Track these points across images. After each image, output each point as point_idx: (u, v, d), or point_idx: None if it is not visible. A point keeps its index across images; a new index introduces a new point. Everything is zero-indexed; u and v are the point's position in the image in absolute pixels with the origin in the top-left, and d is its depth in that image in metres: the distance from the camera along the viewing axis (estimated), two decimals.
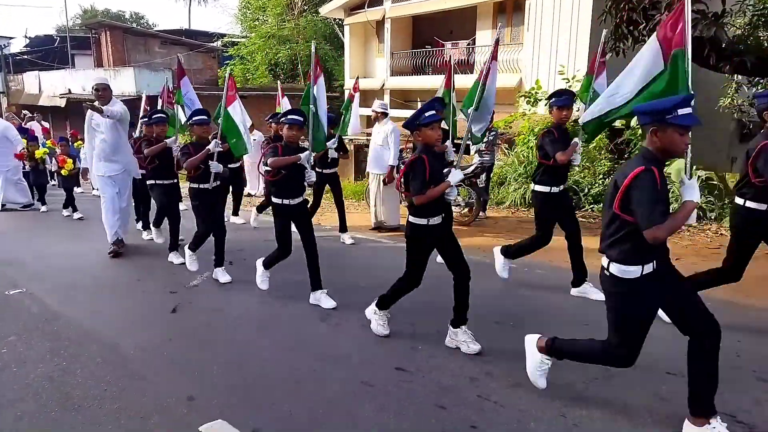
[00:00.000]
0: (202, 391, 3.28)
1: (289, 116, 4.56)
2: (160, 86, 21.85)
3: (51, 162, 9.74)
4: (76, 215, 9.12)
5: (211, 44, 29.43)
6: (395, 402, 3.13)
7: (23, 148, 9.53)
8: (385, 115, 7.47)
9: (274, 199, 4.70)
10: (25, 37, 29.71)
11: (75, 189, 9.55)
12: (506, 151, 11.15)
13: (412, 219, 3.76)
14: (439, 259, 3.97)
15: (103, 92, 6.13)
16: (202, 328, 4.35)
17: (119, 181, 6.45)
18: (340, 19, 22.25)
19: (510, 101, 12.91)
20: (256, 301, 4.91)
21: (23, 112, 16.54)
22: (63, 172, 8.97)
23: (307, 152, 4.62)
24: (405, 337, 4.03)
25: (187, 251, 5.74)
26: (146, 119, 7.85)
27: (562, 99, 4.63)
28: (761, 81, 11.10)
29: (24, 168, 9.96)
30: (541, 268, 5.80)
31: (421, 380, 3.39)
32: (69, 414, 3.06)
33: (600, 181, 8.88)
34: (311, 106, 4.86)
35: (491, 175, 9.15)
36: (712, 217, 7.63)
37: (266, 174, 4.65)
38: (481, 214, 8.30)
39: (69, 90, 23.25)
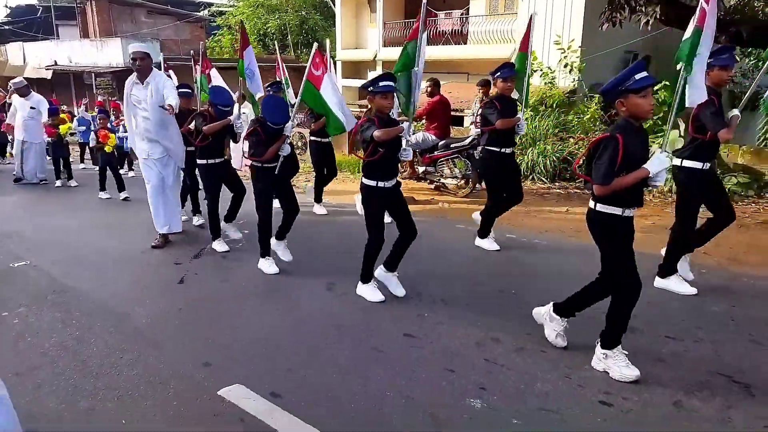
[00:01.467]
0: (218, 358, 3.37)
1: (382, 83, 3.90)
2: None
3: (89, 137, 9.27)
4: (122, 195, 8.29)
5: (198, 14, 28.85)
6: (406, 367, 3.24)
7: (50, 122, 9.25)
8: None
9: (367, 182, 4.06)
10: (6, 6, 28.97)
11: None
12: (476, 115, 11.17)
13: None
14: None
15: (142, 61, 5.37)
16: (210, 298, 4.42)
17: (163, 166, 5.73)
18: None
19: None
20: (258, 272, 4.97)
21: (9, 84, 16.18)
22: (106, 148, 8.15)
23: (406, 123, 4.10)
24: (411, 305, 4.13)
25: (275, 242, 5.10)
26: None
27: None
28: (754, 51, 11.16)
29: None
30: (530, 236, 5.91)
31: (429, 346, 3.49)
32: (88, 381, 3.13)
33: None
34: (415, 68, 4.26)
35: None
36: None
37: (364, 153, 3.98)
38: (477, 186, 8.37)
39: (55, 62, 22.80)
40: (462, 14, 16.67)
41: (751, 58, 11.81)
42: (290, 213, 5.00)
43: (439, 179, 8.54)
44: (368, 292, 4.25)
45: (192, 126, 5.46)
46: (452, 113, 9.05)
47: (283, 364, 3.31)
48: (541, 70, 11.50)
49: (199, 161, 5.43)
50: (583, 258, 5.18)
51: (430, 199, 8.03)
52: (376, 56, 18.64)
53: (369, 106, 4.11)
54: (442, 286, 4.40)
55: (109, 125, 8.83)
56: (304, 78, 4.86)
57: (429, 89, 8.03)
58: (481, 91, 8.50)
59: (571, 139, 9.52)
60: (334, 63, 22.78)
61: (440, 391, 2.98)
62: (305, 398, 2.93)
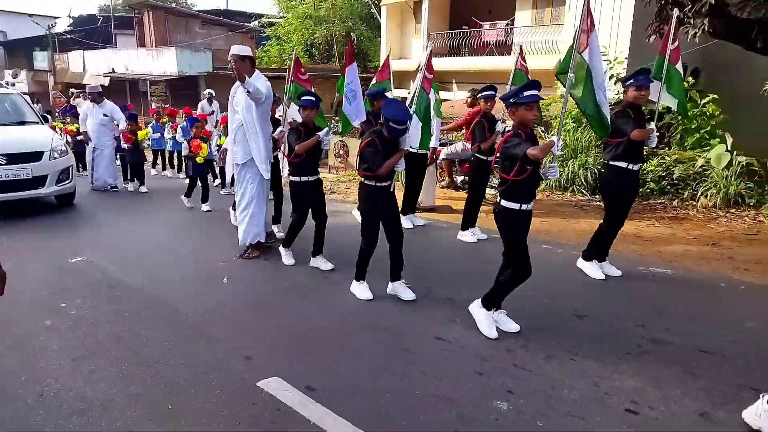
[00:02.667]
0: (259, 352, 3.56)
1: (528, 93, 3.52)
2: (200, 67, 22.16)
3: (182, 146, 8.85)
4: (205, 207, 7.92)
5: (249, 24, 29.75)
6: (435, 368, 3.35)
7: (126, 129, 9.35)
8: None
9: (509, 204, 3.63)
10: (69, 16, 30.51)
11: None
12: (542, 134, 11.13)
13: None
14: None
15: (237, 63, 5.02)
16: (253, 295, 4.64)
17: (246, 171, 5.52)
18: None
19: (548, 83, 12.81)
20: (300, 271, 5.17)
21: (71, 90, 17.12)
22: (198, 159, 7.80)
23: (557, 137, 3.67)
24: (444, 308, 4.24)
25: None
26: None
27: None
28: None
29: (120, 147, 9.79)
30: (561, 247, 5.91)
31: (459, 350, 3.59)
32: (138, 369, 3.37)
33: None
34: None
35: None
36: (751, 203, 7.56)
37: (506, 171, 3.63)
38: None
39: (112, 69, 23.94)
40: (507, 25, 16.68)
41: None
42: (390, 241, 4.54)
43: None
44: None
45: (282, 138, 5.53)
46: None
47: (318, 360, 3.47)
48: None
49: (291, 178, 5.18)
50: (621, 269, 5.19)
51: None
52: (419, 67, 18.80)
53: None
54: (475, 292, 4.48)
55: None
56: (419, 85, 4.75)
57: (469, 100, 8.13)
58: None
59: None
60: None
61: (468, 392, 3.07)
62: (338, 392, 3.07)
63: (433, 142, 7.51)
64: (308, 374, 3.27)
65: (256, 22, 31.96)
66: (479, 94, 6.11)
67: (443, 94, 13.83)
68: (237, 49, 5.19)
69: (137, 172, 9.68)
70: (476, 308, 3.92)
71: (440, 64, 18.17)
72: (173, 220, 7.54)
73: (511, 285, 3.75)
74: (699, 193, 7.99)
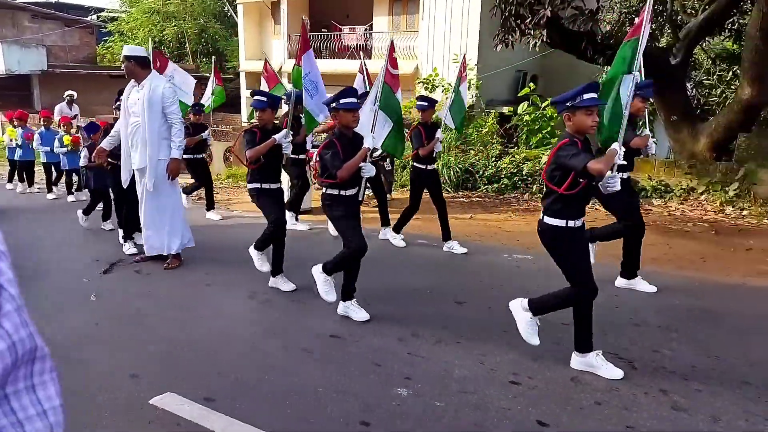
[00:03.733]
0: (144, 368, 3.37)
1: (587, 96, 3.11)
2: (32, 64, 19.97)
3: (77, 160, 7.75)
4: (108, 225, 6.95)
5: (88, 19, 27.25)
6: (335, 364, 3.43)
7: None
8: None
9: (555, 222, 3.27)
10: None
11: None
12: (407, 136, 11.68)
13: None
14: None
15: (127, 64, 4.94)
16: (128, 311, 4.35)
17: (144, 178, 5.19)
18: None
19: (408, 87, 13.44)
20: (180, 284, 4.94)
21: None
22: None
23: (616, 145, 3.39)
24: (333, 308, 4.32)
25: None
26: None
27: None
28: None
29: None
30: (439, 241, 6.34)
31: (355, 344, 3.71)
32: None
33: (493, 164, 9.65)
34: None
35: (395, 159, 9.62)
36: None
37: (557, 184, 3.22)
38: (387, 195, 8.72)
39: None
40: (366, 30, 17.17)
41: None
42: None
43: None
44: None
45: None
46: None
47: (212, 369, 3.38)
48: (443, 85, 12.16)
49: (249, 185, 4.65)
50: (489, 257, 5.68)
51: None
52: (281, 68, 18.65)
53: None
54: (362, 288, 4.63)
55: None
56: (381, 81, 4.31)
57: None
58: None
59: (472, 151, 10.18)
60: (237, 74, 22.53)
61: (369, 383, 3.20)
62: (240, 400, 3.03)
63: (308, 144, 7.56)
64: (204, 385, 3.17)
65: (95, 17, 29.39)
66: (418, 104, 5.87)
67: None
68: (127, 50, 5.09)
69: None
70: (518, 308, 3.48)
71: None
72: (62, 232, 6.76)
73: (567, 304, 3.37)
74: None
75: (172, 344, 3.73)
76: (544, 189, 3.29)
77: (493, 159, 9.74)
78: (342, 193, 3.98)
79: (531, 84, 11.60)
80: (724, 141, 8.82)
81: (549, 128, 10.23)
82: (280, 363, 3.47)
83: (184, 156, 7.33)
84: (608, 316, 4.02)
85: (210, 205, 7.58)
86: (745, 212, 7.62)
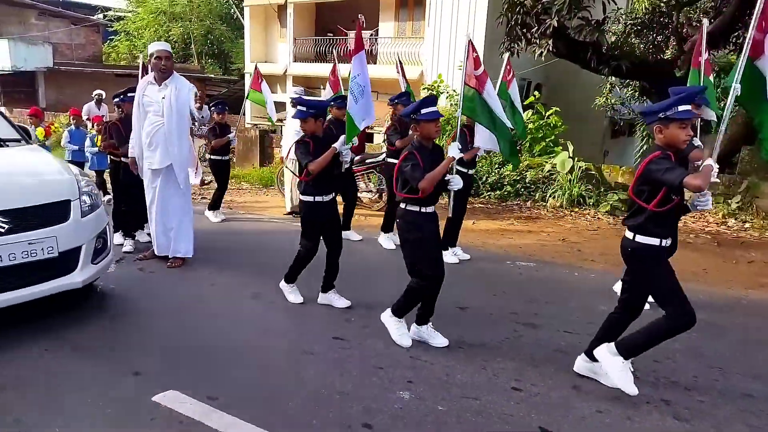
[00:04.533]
0: (147, 366, 3.37)
1: (681, 108, 2.88)
2: (38, 61, 20.02)
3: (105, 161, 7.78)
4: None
5: (93, 18, 27.35)
6: (337, 366, 3.43)
7: None
8: None
9: (648, 241, 3.02)
10: None
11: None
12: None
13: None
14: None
15: (168, 61, 4.92)
16: (132, 308, 4.35)
17: (165, 180, 5.15)
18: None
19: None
20: (181, 285, 4.94)
21: None
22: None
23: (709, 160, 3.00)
24: (338, 310, 4.33)
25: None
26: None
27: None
28: (631, 83, 12.56)
29: None
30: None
31: (357, 347, 3.71)
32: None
33: (496, 170, 9.67)
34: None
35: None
36: (591, 203, 8.65)
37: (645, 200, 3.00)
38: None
39: None
40: (371, 35, 17.24)
41: (629, 89, 13.28)
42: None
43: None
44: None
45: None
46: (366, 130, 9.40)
47: (215, 367, 3.38)
48: (447, 92, 12.19)
49: (302, 198, 4.30)
50: (492, 264, 5.68)
51: None
52: (286, 71, 18.73)
53: None
54: (366, 292, 4.64)
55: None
56: (462, 83, 4.13)
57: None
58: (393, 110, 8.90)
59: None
60: (241, 76, 22.58)
61: (371, 386, 3.20)
62: (242, 399, 3.03)
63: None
64: (207, 384, 3.17)
65: (101, 15, 29.51)
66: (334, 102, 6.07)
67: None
68: (164, 46, 5.03)
69: None
70: (605, 354, 3.16)
71: (306, 69, 18.26)
72: None
73: (666, 337, 3.07)
74: (548, 195, 8.97)
75: (176, 342, 3.73)
76: (633, 205, 3.06)
77: (497, 166, 9.76)
78: (423, 209, 3.57)
79: (536, 92, 11.64)
80: (728, 154, 8.86)
81: (552, 137, 10.26)
82: (282, 364, 3.48)
83: (211, 157, 7.41)
84: None
85: (215, 206, 7.55)
86: (747, 225, 7.63)
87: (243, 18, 20.67)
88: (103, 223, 4.28)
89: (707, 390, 3.25)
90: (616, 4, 9.24)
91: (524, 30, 8.94)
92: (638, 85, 11.85)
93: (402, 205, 3.63)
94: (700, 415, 2.98)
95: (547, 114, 10.44)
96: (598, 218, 8.22)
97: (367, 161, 8.46)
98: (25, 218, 3.65)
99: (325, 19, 18.97)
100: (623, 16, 11.18)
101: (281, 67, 18.94)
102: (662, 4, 10.12)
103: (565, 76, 14.57)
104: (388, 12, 16.78)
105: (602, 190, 8.85)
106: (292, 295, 4.46)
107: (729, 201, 8.05)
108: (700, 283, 5.31)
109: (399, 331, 3.77)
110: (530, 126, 10.24)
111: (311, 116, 4.09)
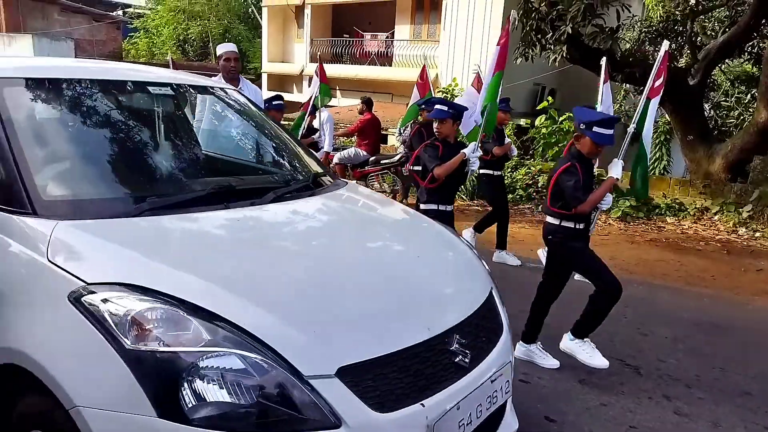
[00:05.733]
0: None
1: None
2: (60, 57, 20.40)
3: None
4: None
5: (114, 14, 27.83)
6: None
7: None
8: None
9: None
10: None
11: None
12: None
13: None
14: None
15: (237, 63, 4.60)
16: None
17: None
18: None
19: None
20: None
21: None
22: None
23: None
24: None
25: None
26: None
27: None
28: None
29: None
30: None
31: None
32: None
33: (508, 174, 9.80)
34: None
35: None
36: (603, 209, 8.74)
37: None
38: (403, 200, 8.91)
39: None
40: (387, 38, 17.44)
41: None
42: None
43: None
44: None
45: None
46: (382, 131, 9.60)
47: None
48: (462, 95, 12.34)
49: (422, 207, 4.08)
50: (502, 265, 5.82)
51: None
52: (303, 71, 18.98)
53: None
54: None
55: None
56: (644, 97, 4.20)
57: (360, 107, 8.54)
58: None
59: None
60: (258, 75, 22.88)
61: None
62: None
63: (327, 147, 7.83)
64: None
65: (120, 12, 30.02)
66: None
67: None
68: (233, 47, 4.71)
69: None
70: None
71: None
72: None
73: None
74: None
75: None
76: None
77: (509, 170, 9.89)
78: (577, 226, 3.37)
79: (549, 98, 11.76)
80: (740, 162, 8.93)
81: (565, 141, 10.37)
82: None
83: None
84: (615, 325, 4.15)
85: None
86: (757, 234, 7.71)
87: (261, 18, 20.99)
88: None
89: (707, 388, 3.38)
90: (630, 12, 9.35)
91: (539, 36, 9.07)
92: None
93: (556, 221, 3.38)
94: (699, 410, 3.11)
95: (560, 119, 10.55)
96: (609, 224, 8.32)
97: (382, 162, 8.64)
98: (477, 334, 2.07)
99: (341, 21, 19.21)
100: (638, 24, 11.28)
101: (297, 67, 19.20)
102: (677, 13, 10.22)
103: (579, 82, 14.65)
104: (405, 15, 16.97)
105: (614, 195, 8.95)
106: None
107: (740, 210, 8.13)
108: (708, 288, 5.43)
109: (587, 352, 3.41)
110: (543, 131, 10.38)
111: (450, 117, 3.90)
